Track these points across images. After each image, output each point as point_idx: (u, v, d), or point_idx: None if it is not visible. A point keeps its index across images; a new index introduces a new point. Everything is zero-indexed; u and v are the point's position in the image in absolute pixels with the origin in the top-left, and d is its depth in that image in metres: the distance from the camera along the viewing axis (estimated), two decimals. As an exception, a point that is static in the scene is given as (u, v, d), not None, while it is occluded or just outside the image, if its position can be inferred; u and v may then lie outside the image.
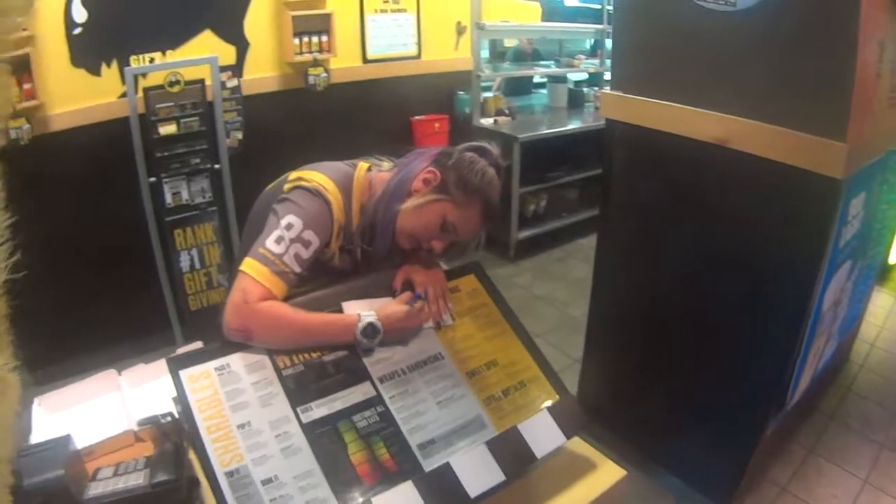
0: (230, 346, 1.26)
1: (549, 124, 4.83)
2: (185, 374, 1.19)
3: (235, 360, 1.24)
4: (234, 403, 1.17)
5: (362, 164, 1.55)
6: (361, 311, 1.34)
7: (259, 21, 3.18)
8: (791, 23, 1.75)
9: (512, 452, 1.23)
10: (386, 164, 1.59)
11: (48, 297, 2.73)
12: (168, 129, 2.85)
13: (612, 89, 2.34)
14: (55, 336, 2.90)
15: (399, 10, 3.71)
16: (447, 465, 1.17)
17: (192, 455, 1.32)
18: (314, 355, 1.29)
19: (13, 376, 0.48)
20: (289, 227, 1.34)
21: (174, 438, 1.39)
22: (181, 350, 1.54)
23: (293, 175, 1.47)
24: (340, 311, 1.38)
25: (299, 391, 1.22)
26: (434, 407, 1.27)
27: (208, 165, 3.00)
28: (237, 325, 1.26)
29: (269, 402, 1.20)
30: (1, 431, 0.48)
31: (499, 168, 1.48)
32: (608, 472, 1.35)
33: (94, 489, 1.23)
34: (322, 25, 3.33)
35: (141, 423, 1.47)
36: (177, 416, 1.44)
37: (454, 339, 1.43)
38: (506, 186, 4.19)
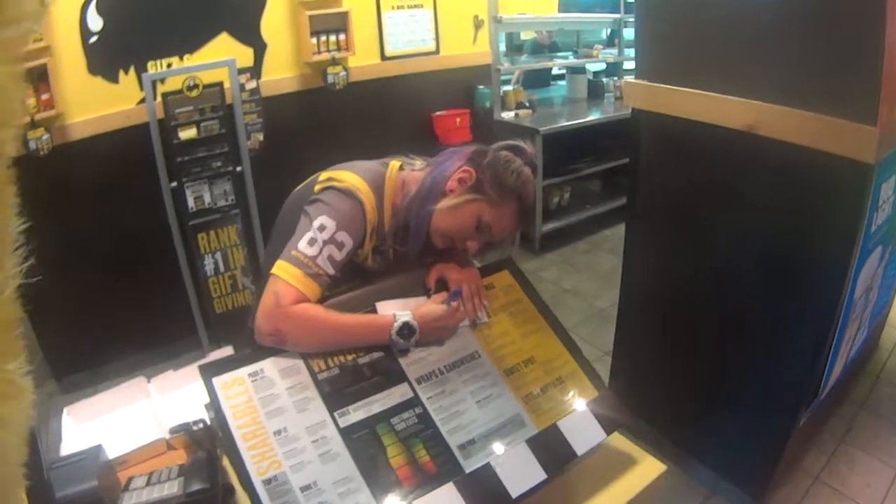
0: (263, 352, 1.22)
1: (569, 116, 4.76)
2: (218, 381, 1.16)
3: (269, 366, 1.20)
4: (270, 410, 1.14)
5: (394, 163, 1.50)
6: (396, 311, 1.30)
7: (275, 22, 3.15)
8: (816, 3, 1.69)
9: (552, 450, 1.20)
10: (418, 163, 1.54)
11: (73, 306, 2.74)
12: (188, 134, 2.83)
13: (636, 78, 2.27)
14: (81, 343, 2.90)
15: (416, 6, 3.66)
16: (488, 466, 1.14)
17: (225, 462, 1.30)
18: (349, 358, 1.26)
19: (26, 381, 0.47)
20: (321, 228, 1.30)
21: (207, 446, 1.36)
22: (211, 356, 1.50)
23: (324, 175, 1.43)
24: (374, 311, 1.34)
25: (335, 395, 1.19)
26: (473, 406, 1.24)
27: (230, 168, 2.98)
28: (270, 330, 1.23)
29: (304, 407, 1.16)
30: (14, 436, 0.48)
31: (534, 167, 1.44)
32: (648, 467, 1.31)
33: (128, 499, 1.20)
34: (339, 24, 3.30)
35: (172, 431, 1.44)
36: (209, 423, 1.42)
37: (490, 337, 1.39)
38: (528, 180, 4.22)
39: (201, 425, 1.42)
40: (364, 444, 1.13)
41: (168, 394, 1.61)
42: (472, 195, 1.37)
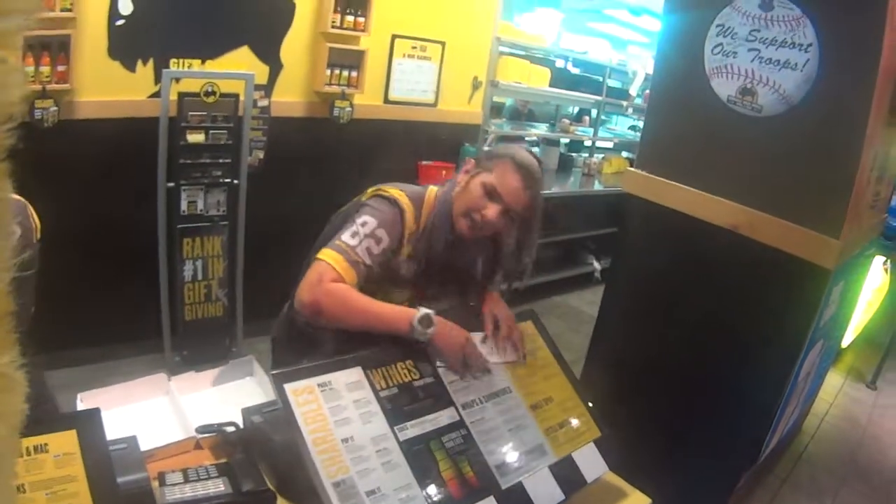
0: (330, 365, 1.27)
1: (542, 185, 4.99)
2: (289, 387, 1.20)
3: (337, 378, 1.26)
4: (338, 419, 1.20)
5: (432, 188, 1.66)
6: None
7: (296, 46, 3.22)
8: (807, 134, 2.01)
9: (568, 476, 1.41)
10: None
11: (48, 283, 2.63)
12: (196, 138, 2.83)
13: (636, 167, 2.52)
14: (41, 322, 2.77)
15: (424, 58, 3.82)
16: (520, 484, 1.31)
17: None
18: (405, 379, 1.34)
19: (19, 374, 0.47)
20: (364, 224, 1.47)
21: (242, 449, 1.38)
22: (181, 377, 1.52)
23: (372, 189, 1.59)
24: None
25: (395, 411, 1.28)
26: (506, 433, 1.40)
27: (228, 179, 2.98)
28: (309, 300, 1.37)
29: (368, 419, 1.23)
30: (8, 429, 0.48)
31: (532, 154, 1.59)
32: (636, 500, 1.57)
33: (171, 494, 1.20)
34: (354, 61, 3.41)
35: (201, 431, 1.45)
36: (242, 426, 1.43)
37: (519, 376, 1.55)
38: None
39: (232, 428, 1.44)
40: (420, 457, 1.23)
41: (190, 394, 1.60)
42: (474, 172, 1.54)
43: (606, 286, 2.84)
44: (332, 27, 3.20)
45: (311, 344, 1.65)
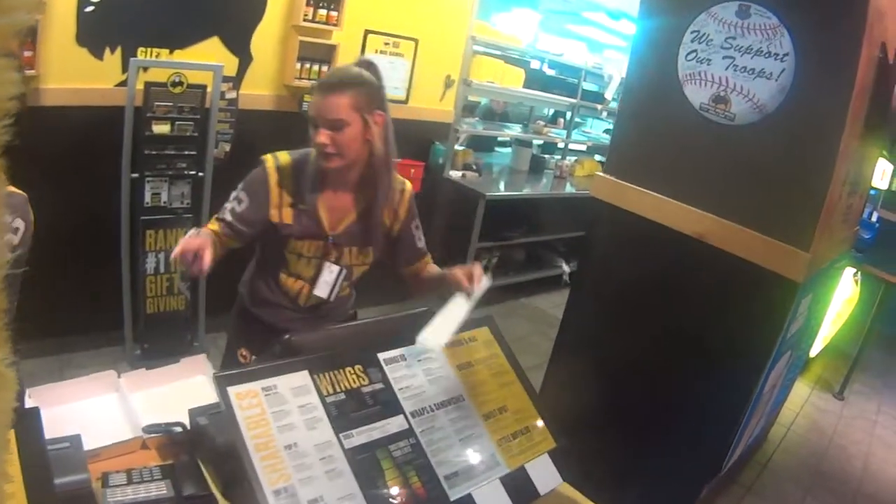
0: (277, 368, 1.27)
1: (512, 185, 5.04)
2: (232, 390, 1.19)
3: (282, 382, 1.25)
4: (282, 424, 1.19)
5: None
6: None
7: (266, 39, 3.19)
8: (780, 144, 2.00)
9: (520, 488, 1.39)
10: None
11: None
12: (162, 129, 2.80)
13: (605, 173, 2.51)
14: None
15: (397, 55, 3.81)
16: (469, 496, 1.30)
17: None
18: (354, 385, 1.33)
19: (10, 372, 0.48)
20: (235, 188, 1.71)
21: (188, 450, 1.37)
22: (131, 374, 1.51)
23: None
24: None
25: (341, 418, 1.26)
26: (457, 443, 1.38)
27: (193, 172, 2.95)
28: None
29: (313, 425, 1.22)
30: None
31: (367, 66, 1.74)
32: None
33: (112, 496, 1.20)
34: (326, 55, 3.39)
35: (148, 431, 1.43)
36: (188, 427, 1.43)
37: (473, 384, 1.54)
38: (464, 239, 4.39)
39: (179, 429, 1.43)
40: (366, 466, 1.22)
41: (139, 392, 1.58)
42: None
43: (571, 291, 2.84)
44: (304, 20, 3.17)
45: (247, 321, 1.83)
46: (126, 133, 2.71)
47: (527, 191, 4.94)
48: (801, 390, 4.36)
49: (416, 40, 3.87)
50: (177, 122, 2.83)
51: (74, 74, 2.67)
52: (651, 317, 2.36)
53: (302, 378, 1.28)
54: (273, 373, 1.26)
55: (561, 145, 5.92)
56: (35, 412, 1.09)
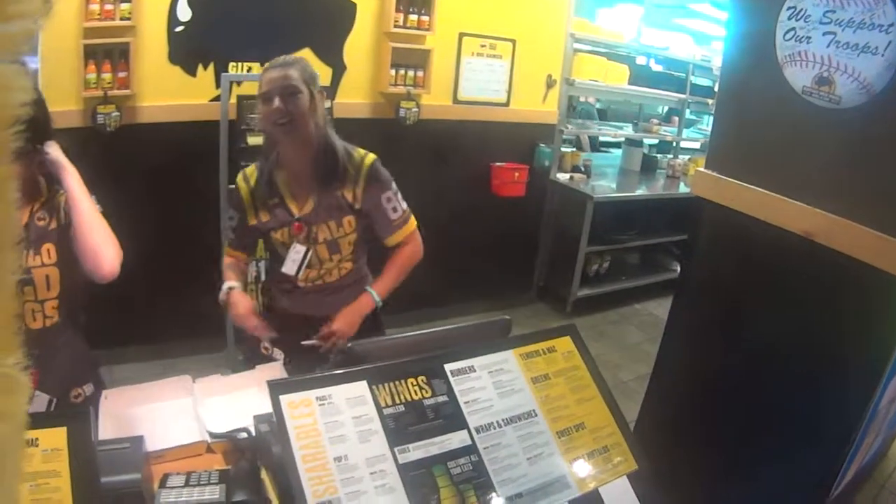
0: (333, 377, 1.20)
1: (621, 187, 4.79)
2: (285, 399, 1.13)
3: (338, 392, 1.18)
4: (333, 436, 1.12)
5: None
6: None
7: (359, 47, 3.21)
8: (891, 127, 1.73)
9: None
10: None
11: (114, 284, 2.73)
12: (256, 140, 2.86)
13: (706, 168, 2.31)
14: (106, 320, 2.88)
15: (495, 56, 3.72)
16: None
17: (263, 476, 1.27)
18: (416, 397, 1.24)
19: (24, 375, 0.48)
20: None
21: (249, 457, 1.33)
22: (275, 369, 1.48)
23: None
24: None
25: (398, 431, 1.17)
26: (524, 462, 1.26)
27: (289, 181, 2.99)
28: None
29: (367, 438, 1.14)
30: (12, 430, 0.48)
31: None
32: None
33: (166, 497, 1.20)
34: (420, 61, 3.35)
35: (214, 436, 1.42)
36: (254, 434, 1.39)
37: (548, 398, 1.40)
38: (573, 243, 4.22)
39: (245, 435, 1.39)
40: (420, 482, 1.12)
41: (212, 397, 1.58)
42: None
43: (675, 298, 2.64)
44: (395, 27, 3.16)
45: (268, 312, 2.07)
46: (222, 146, 2.80)
47: (637, 192, 4.67)
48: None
49: (513, 41, 3.77)
50: (271, 133, 2.87)
51: (169, 91, 2.81)
52: (754, 326, 2.14)
53: (359, 388, 1.21)
54: (329, 382, 1.20)
55: (676, 144, 5.57)
56: (86, 412, 1.12)
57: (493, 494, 1.17)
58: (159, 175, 2.79)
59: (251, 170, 1.91)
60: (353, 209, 1.84)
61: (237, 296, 1.83)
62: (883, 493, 2.96)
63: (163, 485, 1.23)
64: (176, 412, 1.52)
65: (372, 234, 1.92)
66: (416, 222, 1.94)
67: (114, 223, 1.64)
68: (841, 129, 1.82)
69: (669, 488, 2.38)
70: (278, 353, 1.93)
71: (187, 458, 1.38)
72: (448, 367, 1.32)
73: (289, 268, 1.85)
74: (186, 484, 1.23)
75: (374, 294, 1.86)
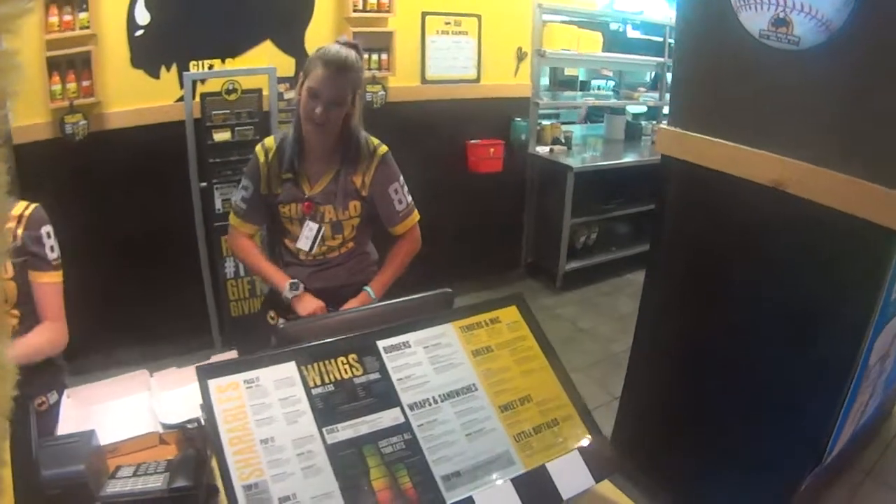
0: (261, 360, 1.22)
1: (604, 156, 4.76)
2: (213, 383, 1.15)
3: (265, 374, 1.19)
4: (260, 418, 1.13)
5: None
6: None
7: (320, 34, 3.21)
8: (855, 65, 1.66)
9: (538, 492, 1.18)
10: None
11: (89, 289, 2.77)
12: (222, 136, 2.89)
13: (668, 124, 2.27)
14: (93, 327, 2.92)
15: (460, 33, 3.71)
16: (470, 500, 1.13)
17: (214, 463, 1.30)
18: (346, 376, 1.25)
19: (10, 362, 0.49)
20: (240, 180, 1.97)
21: (198, 445, 1.37)
22: (216, 357, 1.52)
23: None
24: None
25: (327, 411, 1.17)
26: (463, 439, 1.22)
27: (260, 174, 3.02)
28: (230, 253, 2.05)
29: (294, 419, 1.15)
30: None
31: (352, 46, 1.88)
32: None
33: (112, 487, 1.24)
34: (383, 43, 3.35)
35: (166, 427, 1.46)
36: (203, 423, 1.42)
37: (490, 371, 1.37)
38: (557, 216, 4.21)
39: (195, 424, 1.43)
40: (348, 462, 1.12)
41: (168, 390, 1.62)
42: (302, 80, 1.80)
43: (648, 264, 2.62)
44: (355, 11, 3.16)
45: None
46: (189, 145, 2.83)
47: (619, 160, 4.65)
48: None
49: (478, 16, 3.76)
50: (236, 128, 2.91)
51: (135, 96, 2.83)
52: (730, 286, 2.10)
53: (288, 370, 1.22)
54: (258, 364, 1.21)
55: (661, 110, 5.52)
56: (26, 406, 1.14)
57: (428, 472, 1.15)
58: (131, 179, 2.81)
59: (270, 141, 1.93)
60: (359, 195, 1.90)
61: (309, 298, 1.89)
62: (888, 453, 2.92)
63: (112, 476, 1.26)
64: (132, 406, 1.56)
65: (376, 220, 1.99)
66: (419, 216, 2.00)
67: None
68: (803, 71, 1.75)
69: (657, 455, 2.39)
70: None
71: (142, 450, 1.41)
72: (381, 343, 1.31)
73: (303, 244, 1.92)
74: (134, 474, 1.26)
75: (371, 293, 1.93)
